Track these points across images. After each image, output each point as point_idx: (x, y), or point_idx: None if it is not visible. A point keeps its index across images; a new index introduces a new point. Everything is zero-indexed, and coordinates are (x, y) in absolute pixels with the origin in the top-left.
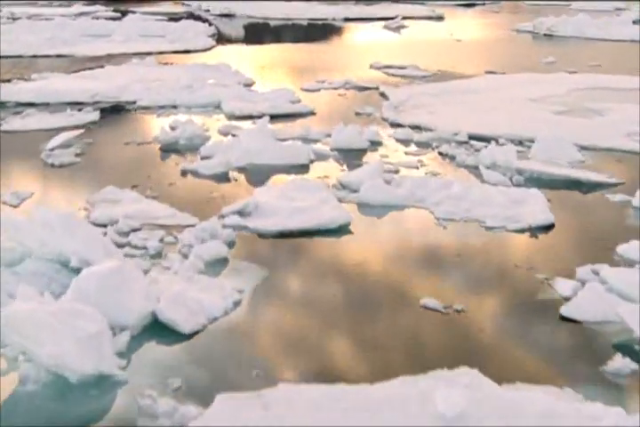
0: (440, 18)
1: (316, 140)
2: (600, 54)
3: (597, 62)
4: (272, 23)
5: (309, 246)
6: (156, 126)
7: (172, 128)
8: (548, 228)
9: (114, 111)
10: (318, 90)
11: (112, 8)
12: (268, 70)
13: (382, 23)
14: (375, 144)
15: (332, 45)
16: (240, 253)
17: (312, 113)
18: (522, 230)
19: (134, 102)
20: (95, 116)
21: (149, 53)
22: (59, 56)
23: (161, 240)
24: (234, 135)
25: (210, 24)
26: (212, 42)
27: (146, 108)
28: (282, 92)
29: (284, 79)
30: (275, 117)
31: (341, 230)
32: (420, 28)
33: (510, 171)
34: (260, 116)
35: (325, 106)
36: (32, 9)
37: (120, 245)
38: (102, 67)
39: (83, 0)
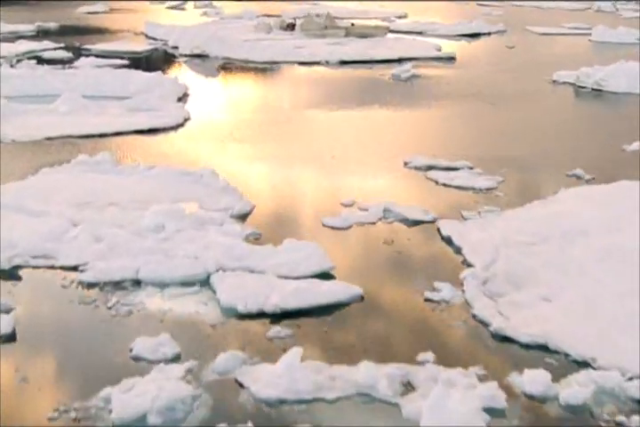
0: (451, 58)
1: (380, 398)
2: None
3: None
4: (254, 71)
5: None
6: (107, 353)
7: (135, 359)
8: None
9: (39, 302)
10: (349, 227)
11: (63, 44)
12: (268, 177)
13: (386, 67)
14: (496, 413)
15: (338, 117)
16: None
17: (359, 298)
18: None
19: (74, 269)
20: (7, 324)
21: (103, 135)
22: None
23: None
24: (241, 385)
25: (179, 64)
26: (183, 111)
27: (91, 287)
28: (303, 252)
29: (294, 199)
30: (301, 314)
31: None
32: (437, 78)
33: None
34: (275, 315)
35: (372, 277)
36: None
37: None
38: (36, 172)
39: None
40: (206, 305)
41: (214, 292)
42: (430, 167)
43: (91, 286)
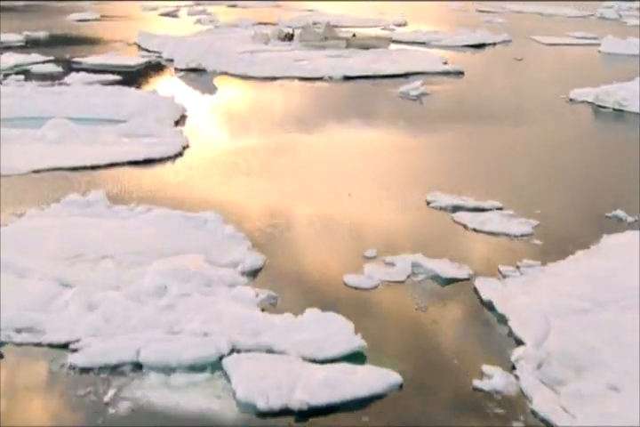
0: (459, 73)
1: None
2: None
3: None
4: (254, 88)
5: None
6: None
7: None
8: None
9: (24, 396)
10: (375, 287)
11: (52, 57)
12: (280, 221)
13: (393, 83)
14: None
15: (349, 143)
16: None
17: (398, 387)
18: None
19: (65, 347)
20: None
21: (95, 167)
22: None
23: None
24: None
25: (174, 79)
26: (181, 138)
27: (85, 372)
28: (329, 327)
29: (310, 249)
30: (331, 409)
31: None
32: (448, 96)
33: None
34: (302, 412)
35: (408, 357)
36: None
37: None
38: (21, 216)
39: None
40: (220, 399)
41: (228, 380)
42: (456, 208)
43: (84, 371)
